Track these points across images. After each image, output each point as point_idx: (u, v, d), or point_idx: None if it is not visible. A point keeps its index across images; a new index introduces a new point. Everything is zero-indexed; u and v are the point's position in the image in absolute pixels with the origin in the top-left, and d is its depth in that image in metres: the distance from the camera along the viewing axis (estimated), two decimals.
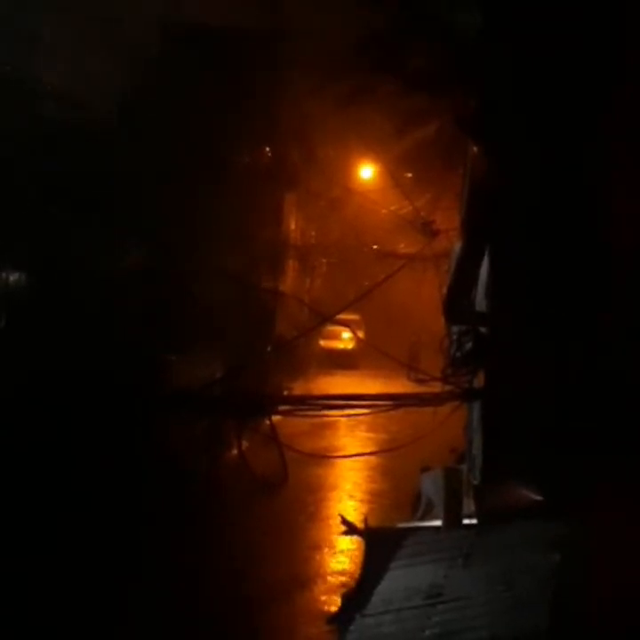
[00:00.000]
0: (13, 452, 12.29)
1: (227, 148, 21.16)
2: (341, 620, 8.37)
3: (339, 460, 18.94)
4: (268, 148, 25.51)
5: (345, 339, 36.60)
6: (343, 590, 10.20)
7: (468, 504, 9.96)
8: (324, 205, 30.09)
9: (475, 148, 10.34)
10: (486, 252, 10.08)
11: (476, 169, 10.23)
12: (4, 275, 16.79)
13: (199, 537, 12.92)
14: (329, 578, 12.12)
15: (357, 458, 18.57)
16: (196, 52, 20.66)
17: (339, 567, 12.52)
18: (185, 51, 20.73)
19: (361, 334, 30.84)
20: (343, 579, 11.66)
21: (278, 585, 11.60)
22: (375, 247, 28.09)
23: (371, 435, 21.22)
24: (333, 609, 9.90)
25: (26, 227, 15.88)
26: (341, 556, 12.94)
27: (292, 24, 22.76)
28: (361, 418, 16.95)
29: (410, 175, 21.35)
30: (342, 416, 16.21)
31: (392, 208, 21.78)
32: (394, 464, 16.48)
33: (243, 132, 21.77)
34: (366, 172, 29.23)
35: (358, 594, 8.42)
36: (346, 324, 23.82)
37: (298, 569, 12.34)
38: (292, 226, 32.52)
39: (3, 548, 11.51)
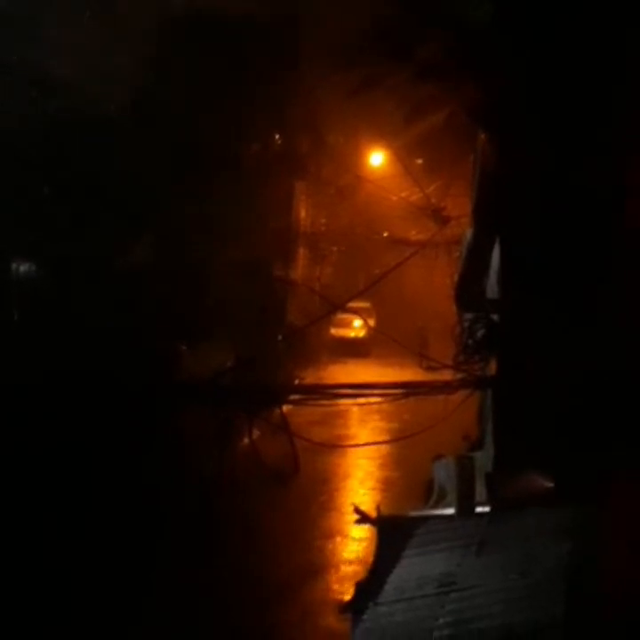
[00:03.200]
0: (25, 443, 12.31)
1: (237, 137, 21.13)
2: (354, 608, 8.36)
3: (351, 449, 18.94)
4: (278, 136, 25.46)
5: (356, 327, 36.56)
6: (356, 579, 10.18)
7: (481, 492, 9.94)
8: (334, 193, 30.03)
9: (485, 135, 10.30)
10: (498, 239, 10.04)
11: (486, 156, 10.19)
12: (14, 267, 16.81)
13: (212, 527, 12.94)
14: (341, 566, 12.11)
15: (369, 447, 18.56)
16: (206, 41, 20.61)
17: (351, 556, 12.52)
18: (195, 39, 20.68)
19: (372, 322, 30.80)
20: (356, 567, 11.67)
21: (291, 574, 11.61)
22: (386, 234, 28.03)
23: (382, 423, 21.21)
24: (346, 597, 9.88)
25: (36, 219, 15.89)
26: (354, 545, 12.93)
27: (302, 12, 22.71)
28: (373, 406, 16.93)
29: (420, 162, 21.28)
30: (354, 405, 16.21)
31: (403, 195, 21.73)
32: (406, 452, 16.48)
33: (253, 120, 21.73)
34: (376, 159, 29.16)
35: (371, 582, 8.40)
36: (357, 311, 23.85)
37: (310, 558, 12.35)
38: (303, 214, 32.46)
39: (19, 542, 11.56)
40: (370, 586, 8.22)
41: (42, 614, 10.27)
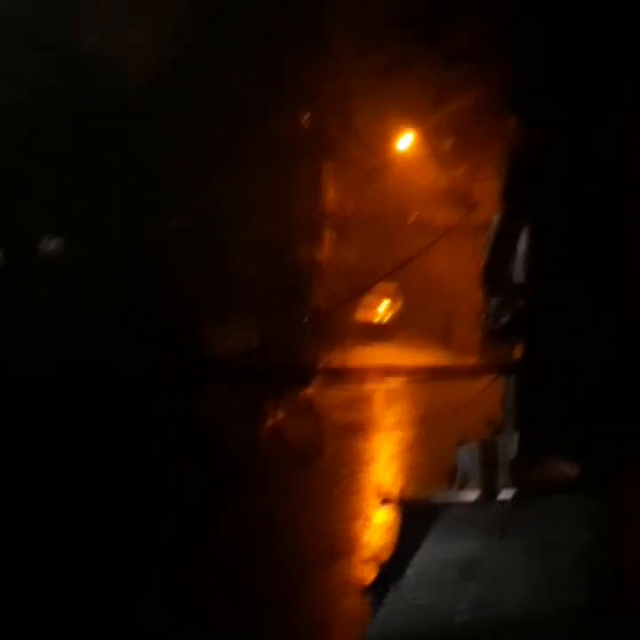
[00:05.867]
0: (52, 420, 12.38)
1: (265, 115, 21.06)
2: (375, 592, 8.39)
3: (374, 433, 18.90)
4: (307, 117, 25.36)
5: (381, 310, 36.49)
6: (378, 562, 10.20)
7: (505, 478, 9.92)
8: (362, 175, 29.92)
9: (514, 119, 10.24)
10: (525, 224, 9.99)
11: (514, 139, 10.13)
12: (44, 243, 16.85)
13: (234, 508, 12.95)
14: (363, 550, 12.09)
15: (393, 431, 18.54)
16: (236, 16, 20.50)
17: (373, 539, 12.49)
18: (225, 14, 20.58)
19: (398, 306, 30.73)
20: (377, 551, 11.64)
21: (313, 556, 11.59)
22: (413, 218, 27.92)
23: (407, 406, 21.14)
24: (368, 581, 9.90)
25: (64, 193, 15.91)
26: (376, 529, 12.90)
27: None
28: (397, 390, 16.91)
29: (448, 145, 21.16)
30: (378, 388, 16.20)
31: (430, 179, 21.63)
32: (430, 437, 16.43)
33: (282, 98, 21.65)
34: (405, 142, 29.01)
35: (393, 566, 8.42)
36: (382, 294, 23.82)
37: (332, 541, 12.32)
38: (330, 195, 32.35)
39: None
40: (392, 569, 8.25)
41: (64, 573, 10.35)
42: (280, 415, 13.19)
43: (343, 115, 26.01)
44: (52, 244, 16.96)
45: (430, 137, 21.42)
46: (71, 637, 8.88)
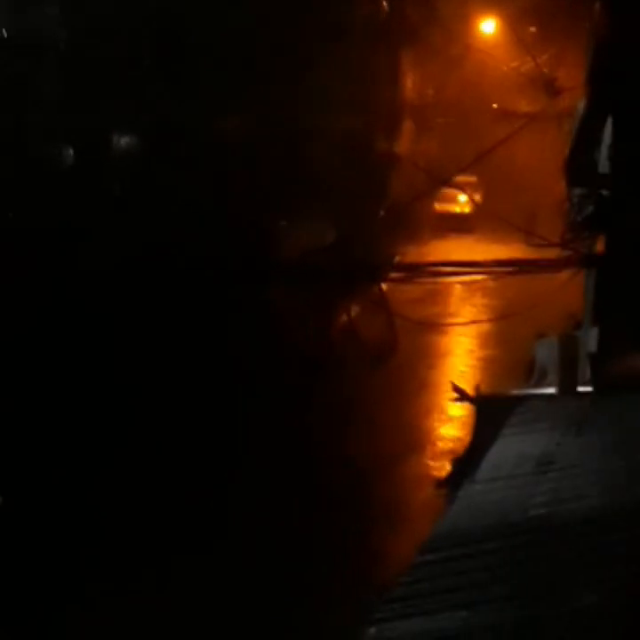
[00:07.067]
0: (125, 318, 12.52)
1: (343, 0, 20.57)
2: (450, 485, 8.39)
3: (451, 328, 18.76)
4: (385, 1, 24.72)
5: (461, 202, 35.90)
6: (452, 456, 10.22)
7: (584, 372, 9.78)
8: (442, 63, 29.22)
9: (599, 3, 9.84)
10: (611, 112, 9.64)
11: (602, 24, 9.73)
12: (115, 139, 16.77)
13: (310, 404, 13.04)
14: (439, 444, 12.13)
15: (470, 325, 18.37)
16: None
17: (449, 433, 12.52)
18: None
19: (478, 197, 30.22)
20: (453, 445, 11.67)
21: (389, 450, 11.67)
22: (495, 106, 27.32)
23: (485, 301, 20.93)
24: (443, 474, 9.93)
25: (137, 88, 15.80)
26: (452, 423, 12.91)
27: None
28: (476, 284, 16.70)
29: (533, 30, 20.54)
30: (456, 282, 16.03)
31: (513, 65, 21.07)
32: (508, 331, 16.28)
33: None
34: (488, 27, 28.23)
35: (468, 460, 8.39)
36: (462, 186, 23.41)
37: (408, 435, 12.40)
38: (409, 84, 31.68)
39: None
40: (467, 463, 8.22)
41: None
42: (355, 311, 13.09)
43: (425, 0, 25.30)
44: (122, 141, 16.90)
45: (514, 23, 20.78)
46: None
